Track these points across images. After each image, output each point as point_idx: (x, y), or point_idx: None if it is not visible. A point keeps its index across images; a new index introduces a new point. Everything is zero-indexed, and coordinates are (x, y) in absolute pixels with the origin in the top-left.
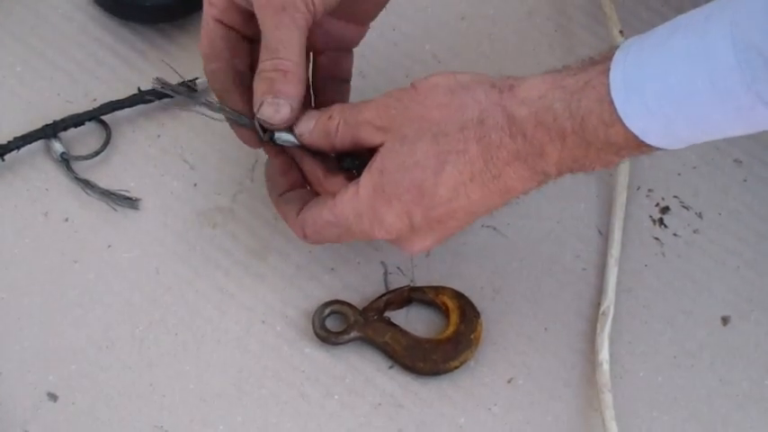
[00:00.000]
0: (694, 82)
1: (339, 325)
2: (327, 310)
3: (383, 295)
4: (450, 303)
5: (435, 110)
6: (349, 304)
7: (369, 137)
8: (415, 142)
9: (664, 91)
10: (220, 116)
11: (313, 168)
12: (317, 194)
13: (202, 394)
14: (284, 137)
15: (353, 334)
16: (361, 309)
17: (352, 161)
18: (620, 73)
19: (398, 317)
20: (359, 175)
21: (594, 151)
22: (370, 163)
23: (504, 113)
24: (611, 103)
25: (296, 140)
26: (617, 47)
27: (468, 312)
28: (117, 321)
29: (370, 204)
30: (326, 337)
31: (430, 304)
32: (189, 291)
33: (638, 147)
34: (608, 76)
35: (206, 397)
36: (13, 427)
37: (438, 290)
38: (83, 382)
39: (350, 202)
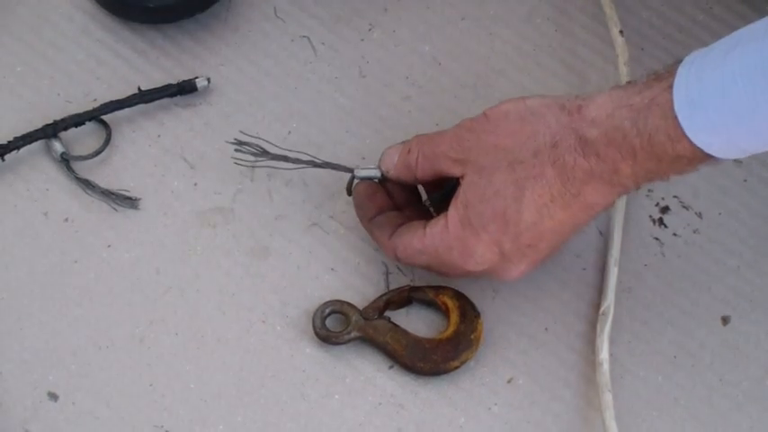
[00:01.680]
0: (755, 97)
1: (339, 325)
2: (328, 310)
3: (383, 295)
4: (451, 303)
5: (508, 138)
6: (349, 304)
7: (448, 169)
8: (492, 173)
9: (726, 107)
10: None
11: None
12: (406, 218)
13: (202, 394)
14: (364, 172)
15: (354, 334)
16: (361, 308)
17: (438, 196)
18: (683, 89)
19: (399, 317)
20: (439, 211)
21: (666, 164)
22: (455, 196)
23: (575, 135)
24: (676, 119)
25: (378, 174)
26: (679, 61)
27: (468, 312)
28: (117, 321)
29: (458, 237)
30: (327, 337)
31: (430, 304)
32: (189, 290)
33: (706, 158)
34: (671, 92)
35: (206, 397)
36: (14, 427)
37: (438, 290)
38: (83, 382)
39: (439, 234)
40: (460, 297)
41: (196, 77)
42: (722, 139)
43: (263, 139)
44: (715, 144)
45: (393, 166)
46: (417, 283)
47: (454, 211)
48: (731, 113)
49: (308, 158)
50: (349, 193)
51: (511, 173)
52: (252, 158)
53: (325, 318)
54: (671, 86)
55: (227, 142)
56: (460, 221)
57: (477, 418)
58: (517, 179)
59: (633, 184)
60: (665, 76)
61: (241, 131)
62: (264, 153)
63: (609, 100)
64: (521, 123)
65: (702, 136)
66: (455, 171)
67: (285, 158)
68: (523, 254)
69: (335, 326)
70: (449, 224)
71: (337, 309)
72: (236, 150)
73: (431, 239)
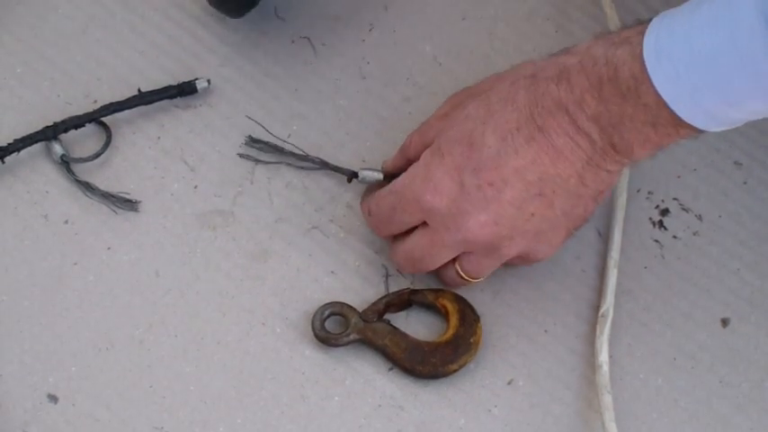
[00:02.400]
0: (718, 46)
1: (339, 327)
2: (327, 312)
3: (383, 298)
4: (450, 306)
5: (495, 78)
6: (349, 306)
7: (435, 128)
8: (470, 102)
9: (690, 56)
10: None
11: None
12: None
13: (202, 396)
14: (368, 175)
15: (353, 336)
16: (360, 311)
17: None
18: (653, 37)
19: (398, 319)
20: None
21: (630, 110)
22: None
23: (556, 66)
24: (643, 61)
25: (380, 176)
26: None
27: (467, 316)
28: (117, 323)
29: (425, 165)
30: (326, 339)
31: (430, 307)
32: (189, 293)
33: (673, 122)
34: (643, 36)
35: (206, 399)
36: (14, 429)
37: (438, 292)
38: (83, 384)
39: (410, 169)
40: (460, 300)
41: (196, 79)
42: (686, 91)
43: (277, 136)
44: (680, 99)
45: (390, 160)
46: (417, 286)
47: (429, 148)
48: (695, 63)
49: (319, 159)
50: (349, 181)
51: (485, 100)
52: (258, 156)
53: (325, 320)
54: (643, 32)
55: (245, 141)
56: (431, 151)
57: (477, 420)
58: (489, 103)
59: (596, 131)
60: (645, 22)
61: (251, 136)
62: (277, 149)
63: (594, 38)
64: (508, 69)
65: (666, 85)
66: (440, 125)
67: (294, 156)
68: (484, 194)
69: (335, 328)
70: (420, 158)
71: (337, 311)
72: (247, 144)
73: (401, 176)
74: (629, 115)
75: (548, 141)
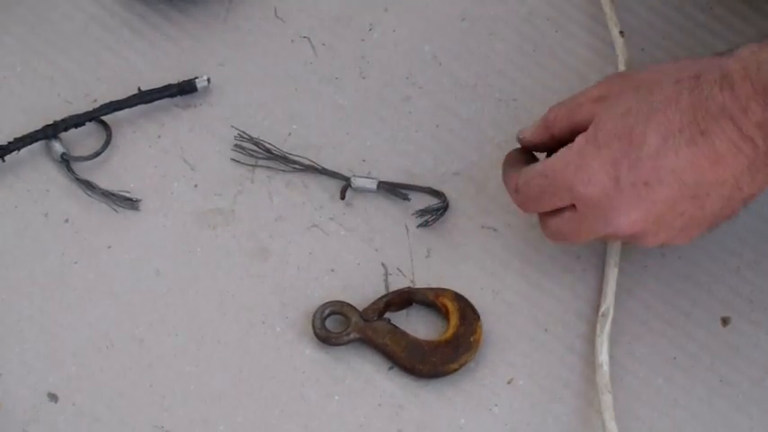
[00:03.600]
0: None
1: (339, 325)
2: (327, 311)
3: (383, 296)
4: (451, 305)
5: (654, 74)
6: (349, 305)
7: (588, 111)
8: (629, 95)
9: None
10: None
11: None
12: None
13: (202, 395)
14: (360, 182)
15: (353, 335)
16: (361, 309)
17: None
18: None
19: (398, 318)
20: None
21: None
22: None
23: (720, 70)
24: None
25: (374, 186)
26: None
27: (468, 315)
28: (117, 322)
29: (579, 152)
30: (326, 338)
31: (430, 306)
32: (189, 292)
33: None
34: None
35: (206, 398)
36: (14, 428)
37: (438, 291)
38: (83, 383)
39: (562, 152)
40: (460, 299)
41: (196, 77)
42: None
43: (266, 142)
44: None
45: (530, 131)
46: (417, 285)
47: (583, 133)
48: None
49: (309, 162)
50: (342, 197)
51: (648, 95)
52: (252, 158)
53: (325, 318)
54: None
55: (235, 137)
56: (586, 138)
57: (478, 420)
58: (653, 101)
59: (761, 137)
60: None
61: (241, 132)
62: (267, 152)
63: (759, 43)
64: (671, 61)
65: None
66: (595, 110)
67: (285, 159)
68: (638, 192)
69: (335, 327)
70: (574, 143)
71: (337, 309)
72: (237, 146)
73: (552, 159)
74: None
75: (710, 146)
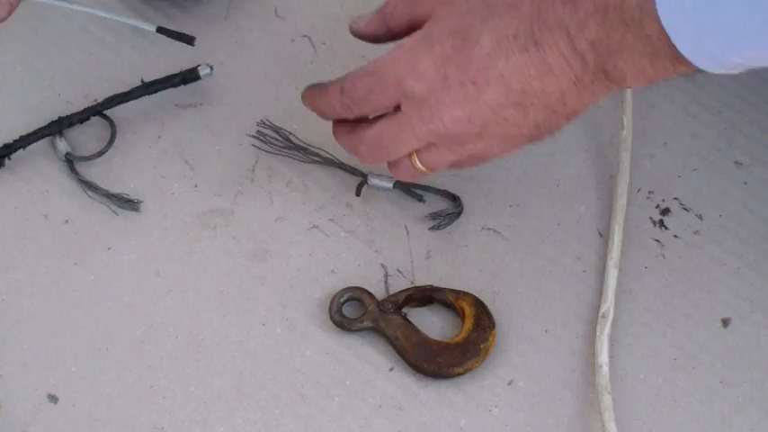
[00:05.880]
0: None
1: (355, 313)
2: (346, 296)
3: (404, 290)
4: (468, 310)
5: None
6: (369, 293)
7: (428, 6)
8: None
9: None
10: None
11: None
12: None
13: (203, 396)
14: (376, 180)
15: (366, 323)
16: (379, 299)
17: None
18: None
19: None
20: None
21: (631, 40)
22: None
23: None
24: None
25: (390, 185)
26: None
27: (483, 321)
28: (117, 323)
29: (411, 48)
30: (340, 322)
31: (449, 307)
32: (189, 293)
33: (671, 56)
34: None
35: (206, 399)
36: (14, 429)
37: (459, 294)
38: (83, 384)
39: (393, 50)
40: (479, 305)
41: (198, 65)
42: (689, 27)
43: (287, 131)
44: (683, 33)
45: (365, 21)
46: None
47: (417, 30)
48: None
49: (327, 155)
50: (358, 194)
51: None
52: (273, 147)
53: (343, 303)
54: None
55: (257, 123)
56: (420, 35)
57: (478, 421)
58: (494, 3)
59: (592, 55)
60: None
61: (264, 119)
62: (287, 141)
63: None
64: None
65: (671, 19)
66: (435, 6)
67: (305, 150)
68: (465, 91)
69: (351, 314)
70: (407, 40)
71: (356, 296)
72: (258, 132)
73: (382, 56)
74: (628, 45)
75: (540, 56)
